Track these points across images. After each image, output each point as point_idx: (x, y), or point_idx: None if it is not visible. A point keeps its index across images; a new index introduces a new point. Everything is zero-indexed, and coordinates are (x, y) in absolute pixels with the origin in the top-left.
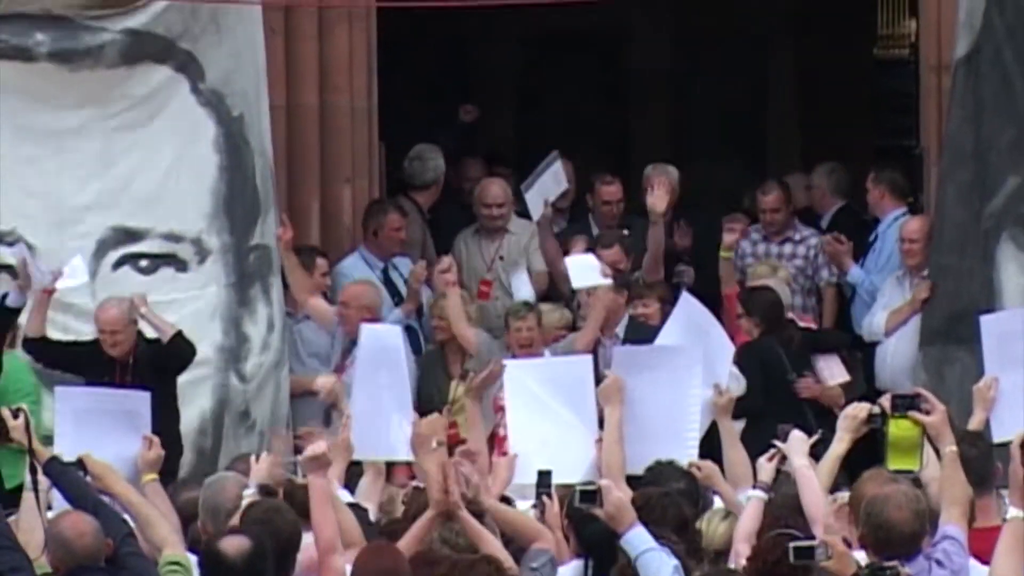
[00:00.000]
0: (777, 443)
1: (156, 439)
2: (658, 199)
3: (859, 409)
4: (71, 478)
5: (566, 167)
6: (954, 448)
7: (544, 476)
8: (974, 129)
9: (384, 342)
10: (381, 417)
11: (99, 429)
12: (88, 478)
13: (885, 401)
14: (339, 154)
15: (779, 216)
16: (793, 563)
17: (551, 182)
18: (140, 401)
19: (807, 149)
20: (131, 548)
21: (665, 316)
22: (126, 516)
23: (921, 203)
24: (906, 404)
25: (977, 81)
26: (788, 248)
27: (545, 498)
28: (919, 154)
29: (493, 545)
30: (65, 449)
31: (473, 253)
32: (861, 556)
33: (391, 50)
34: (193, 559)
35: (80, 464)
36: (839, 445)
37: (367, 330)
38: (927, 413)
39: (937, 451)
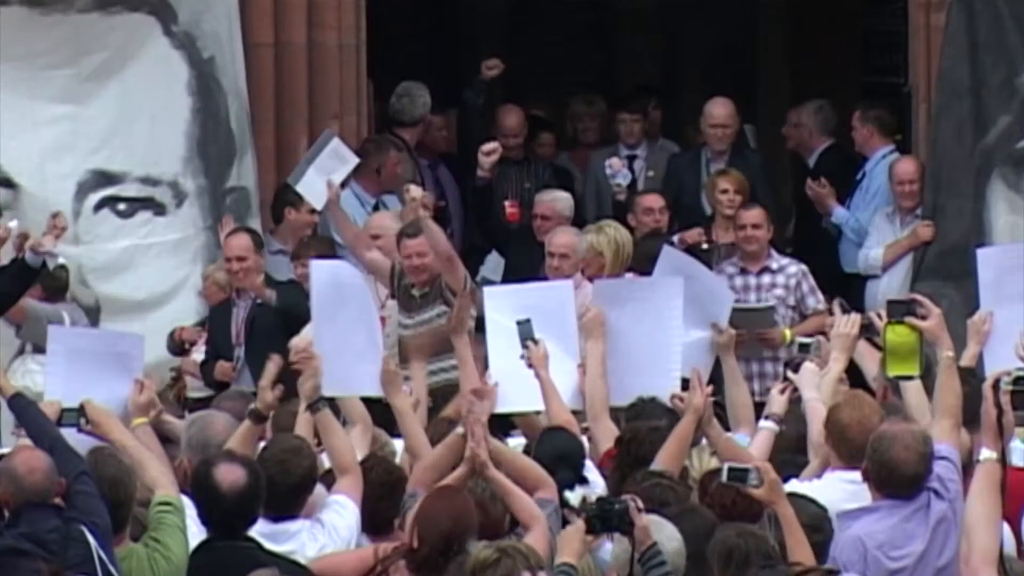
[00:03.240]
0: (789, 375)
1: (148, 382)
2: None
3: (850, 326)
4: (33, 414)
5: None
6: (951, 353)
7: (524, 325)
8: (968, 67)
9: (341, 278)
10: (348, 353)
11: (90, 370)
12: (88, 425)
13: (874, 315)
14: (327, 92)
15: (760, 232)
16: (725, 483)
17: (333, 161)
18: (132, 343)
19: (796, 86)
20: (82, 487)
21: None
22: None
23: (908, 141)
24: (902, 310)
25: (971, 19)
26: (767, 279)
27: (531, 343)
28: (907, 92)
29: (523, 501)
30: (56, 389)
31: None
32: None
33: None
34: (185, 500)
35: (82, 410)
36: (835, 366)
37: (317, 267)
38: (923, 318)
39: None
